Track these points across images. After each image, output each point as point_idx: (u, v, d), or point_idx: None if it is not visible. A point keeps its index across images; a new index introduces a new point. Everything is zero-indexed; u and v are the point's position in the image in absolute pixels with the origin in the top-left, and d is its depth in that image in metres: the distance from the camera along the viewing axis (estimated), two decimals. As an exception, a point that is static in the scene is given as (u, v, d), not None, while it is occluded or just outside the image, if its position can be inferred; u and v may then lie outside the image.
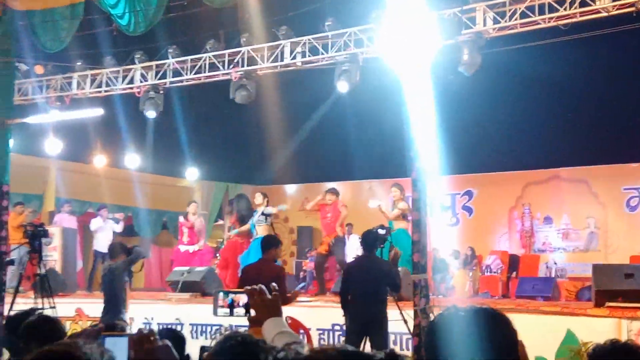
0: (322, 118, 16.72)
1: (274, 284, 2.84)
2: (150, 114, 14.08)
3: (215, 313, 3.03)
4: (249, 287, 2.81)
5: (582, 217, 18.15)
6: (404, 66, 8.59)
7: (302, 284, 11.60)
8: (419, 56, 8.54)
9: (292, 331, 2.70)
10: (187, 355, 4.75)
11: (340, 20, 12.29)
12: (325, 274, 13.78)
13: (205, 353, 2.26)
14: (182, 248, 14.74)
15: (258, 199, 13.12)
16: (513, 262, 16.31)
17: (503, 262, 16.74)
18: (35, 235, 10.56)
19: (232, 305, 2.98)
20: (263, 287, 2.80)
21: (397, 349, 9.06)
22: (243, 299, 2.93)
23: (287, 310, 7.74)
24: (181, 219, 14.92)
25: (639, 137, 16.09)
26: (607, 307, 9.20)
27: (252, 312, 2.79)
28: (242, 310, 2.93)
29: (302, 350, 1.40)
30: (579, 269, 17.24)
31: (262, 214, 12.86)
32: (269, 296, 2.79)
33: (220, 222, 17.68)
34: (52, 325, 4.12)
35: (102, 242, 14.76)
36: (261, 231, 12.58)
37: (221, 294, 3.00)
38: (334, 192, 13.39)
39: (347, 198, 20.35)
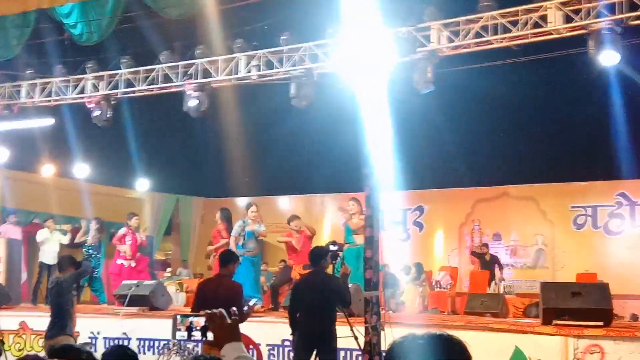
0: (276, 132, 16.70)
1: (234, 308, 2.80)
2: (101, 123, 13.86)
3: (173, 336, 2.98)
4: (208, 311, 2.76)
5: (531, 234, 18.41)
6: (359, 82, 8.62)
7: (255, 299, 11.50)
8: (374, 73, 8.58)
9: (250, 356, 2.66)
10: None
11: (296, 35, 12.28)
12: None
13: None
14: (126, 263, 14.40)
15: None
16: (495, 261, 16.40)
17: (452, 278, 16.86)
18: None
19: (190, 329, 2.93)
20: (223, 311, 2.75)
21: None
22: (201, 321, 2.88)
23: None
24: (124, 230, 14.55)
25: (587, 156, 16.42)
26: (554, 325, 9.31)
27: (210, 336, 2.75)
28: (199, 334, 2.88)
29: None
30: (527, 285, 17.46)
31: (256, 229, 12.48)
32: (229, 320, 2.74)
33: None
34: None
35: (48, 254, 14.48)
36: (254, 245, 12.37)
37: (179, 317, 2.95)
38: (297, 217, 13.29)
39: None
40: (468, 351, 2.02)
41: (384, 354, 2.45)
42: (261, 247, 12.95)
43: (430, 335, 2.01)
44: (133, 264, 14.27)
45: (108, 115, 13.64)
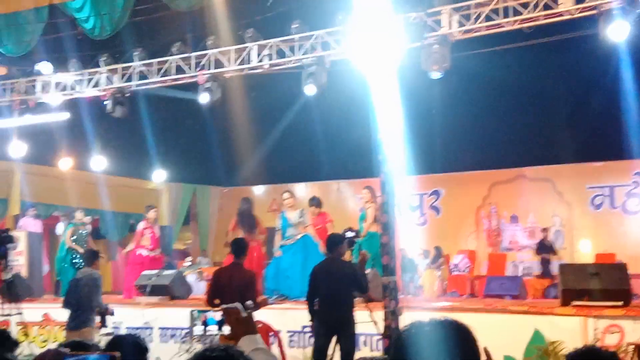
0: (290, 120, 16.73)
1: (249, 301, 2.85)
2: (117, 116, 13.94)
3: (191, 332, 3.04)
4: (224, 306, 2.82)
5: (548, 215, 18.37)
6: (371, 68, 8.63)
7: (274, 295, 11.48)
8: (386, 58, 8.58)
9: (267, 348, 2.72)
10: None
11: (307, 23, 12.28)
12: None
13: None
14: (144, 253, 14.45)
15: (289, 200, 12.43)
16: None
17: (471, 261, 16.90)
18: (1, 241, 10.44)
19: (205, 323, 2.99)
20: (239, 305, 2.81)
21: (367, 350, 9.14)
22: (217, 315, 2.94)
23: (256, 314, 7.73)
24: (144, 224, 14.62)
25: (603, 136, 16.32)
26: (573, 306, 9.32)
27: (226, 329, 2.80)
28: (215, 328, 2.94)
29: None
30: (546, 267, 17.45)
31: (302, 214, 12.20)
32: (244, 314, 2.80)
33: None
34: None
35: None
36: (297, 233, 12.14)
37: (196, 312, 3.01)
38: (317, 202, 13.26)
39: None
40: (473, 335, 2.06)
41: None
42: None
43: (436, 321, 2.05)
44: (152, 255, 14.35)
45: (123, 108, 13.71)
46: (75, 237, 14.43)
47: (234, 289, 8.20)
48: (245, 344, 2.65)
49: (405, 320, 7.99)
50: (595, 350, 2.85)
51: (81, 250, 13.96)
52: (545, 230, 16.64)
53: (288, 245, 12.07)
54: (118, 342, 4.59)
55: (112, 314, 9.89)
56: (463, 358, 1.99)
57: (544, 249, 16.46)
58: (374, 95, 8.34)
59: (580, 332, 8.75)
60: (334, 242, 8.86)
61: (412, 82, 10.76)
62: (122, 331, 11.49)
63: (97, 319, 9.59)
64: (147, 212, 14.58)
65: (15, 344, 4.06)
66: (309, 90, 12.13)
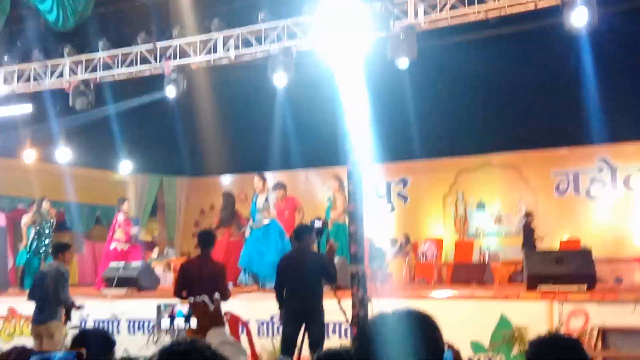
0: (256, 109, 16.71)
1: (217, 294, 2.86)
2: (82, 107, 13.79)
3: (157, 325, 3.03)
4: (191, 300, 2.82)
5: (514, 202, 18.54)
6: (338, 58, 8.64)
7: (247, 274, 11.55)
8: (352, 48, 8.60)
9: (234, 341, 2.72)
10: None
11: (273, 13, 12.24)
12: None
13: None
14: (119, 246, 14.42)
15: (258, 184, 12.42)
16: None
17: (438, 249, 17.03)
18: (-35, 236, 10.31)
19: (172, 316, 2.99)
20: (206, 298, 2.81)
21: (336, 338, 9.18)
22: (184, 308, 2.94)
23: (224, 306, 7.74)
24: (120, 216, 14.55)
25: (568, 122, 16.50)
26: (539, 291, 9.46)
27: (193, 323, 2.81)
28: (182, 321, 2.94)
29: None
30: (512, 252, 17.62)
31: (267, 200, 12.26)
32: (212, 307, 2.81)
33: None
34: None
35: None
36: (263, 218, 12.16)
37: (162, 305, 3.01)
38: (281, 186, 13.29)
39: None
40: (436, 324, 2.09)
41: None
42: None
43: (399, 312, 2.08)
44: (126, 248, 14.29)
45: (86, 99, 13.56)
46: (39, 227, 14.29)
47: (204, 281, 8.21)
48: (212, 337, 2.64)
49: (373, 308, 8.05)
50: (558, 337, 2.90)
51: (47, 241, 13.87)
52: (529, 214, 16.63)
53: (254, 230, 12.11)
54: (84, 337, 4.59)
55: (78, 307, 9.81)
56: (426, 348, 2.01)
57: (529, 232, 16.38)
58: (341, 85, 8.36)
59: (545, 317, 8.89)
60: (302, 232, 8.89)
61: (379, 72, 10.78)
62: (89, 323, 11.44)
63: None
64: (121, 203, 14.52)
65: None
66: (277, 80, 12.11)
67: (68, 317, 9.57)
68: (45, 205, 14.49)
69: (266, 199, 11.96)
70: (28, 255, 14.11)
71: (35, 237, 14.11)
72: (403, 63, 11.19)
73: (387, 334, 2.01)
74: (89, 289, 14.02)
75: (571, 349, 2.78)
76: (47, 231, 14.31)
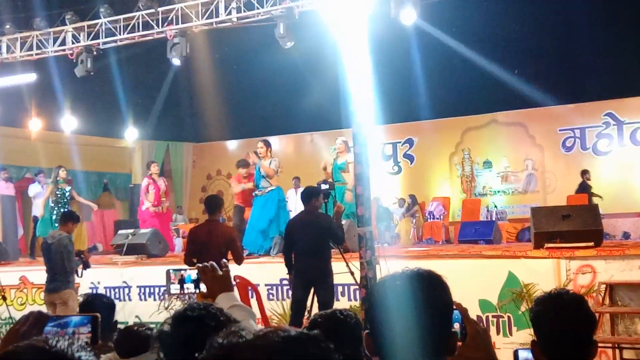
0: (259, 73, 16.62)
1: (224, 260, 2.87)
2: (85, 74, 13.75)
3: (167, 290, 3.06)
4: (200, 265, 2.83)
5: (520, 159, 18.54)
6: (341, 18, 8.57)
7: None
8: (355, 8, 8.52)
9: (244, 304, 2.74)
10: (115, 321, 4.82)
11: (274, -27, 12.12)
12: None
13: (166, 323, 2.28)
14: (151, 209, 14.42)
15: (261, 149, 12.08)
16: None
17: (445, 208, 17.05)
18: (-26, 206, 10.35)
19: (182, 281, 3.01)
20: (214, 263, 2.82)
21: (345, 300, 9.23)
22: (193, 273, 2.95)
23: (234, 270, 7.78)
24: (146, 180, 14.53)
25: (573, 78, 16.41)
26: (546, 249, 9.47)
27: (203, 288, 2.83)
28: (191, 286, 2.96)
29: (245, 333, 1.42)
30: (519, 210, 17.69)
31: (270, 165, 11.95)
32: (220, 272, 2.82)
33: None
34: None
35: (41, 208, 14.53)
36: (264, 184, 11.99)
37: (171, 271, 3.02)
38: (242, 164, 13.30)
39: (290, 151, 20.47)
40: (446, 284, 2.09)
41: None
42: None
43: (408, 273, 2.07)
44: (159, 210, 14.33)
45: (90, 66, 13.52)
46: (57, 195, 14.35)
47: (213, 246, 8.23)
48: (222, 302, 2.67)
49: (382, 269, 8.09)
50: (563, 294, 2.90)
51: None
52: (586, 172, 16.31)
53: (257, 198, 12.06)
54: (91, 302, 4.77)
55: (88, 267, 9.87)
56: (436, 309, 2.02)
57: (585, 190, 16.11)
58: (344, 46, 8.30)
59: (553, 274, 8.91)
60: (310, 195, 8.88)
61: (383, 32, 10.71)
62: (101, 290, 11.54)
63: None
64: (149, 167, 14.53)
65: None
66: (281, 42, 12.02)
67: (85, 267, 9.71)
68: (62, 174, 14.53)
69: (269, 164, 11.90)
70: (47, 226, 14.13)
71: (54, 206, 14.16)
72: (406, 21, 11.07)
73: (396, 295, 2.02)
74: (99, 257, 14.10)
75: (575, 306, 2.79)
76: (65, 200, 14.37)
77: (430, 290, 2.04)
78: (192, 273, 2.95)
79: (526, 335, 8.66)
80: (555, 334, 2.71)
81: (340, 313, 3.49)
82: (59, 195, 14.32)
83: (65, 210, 13.41)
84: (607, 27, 13.92)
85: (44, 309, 9.60)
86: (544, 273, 8.95)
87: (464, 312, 2.28)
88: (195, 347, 2.22)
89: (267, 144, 12.17)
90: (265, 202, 11.82)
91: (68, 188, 14.61)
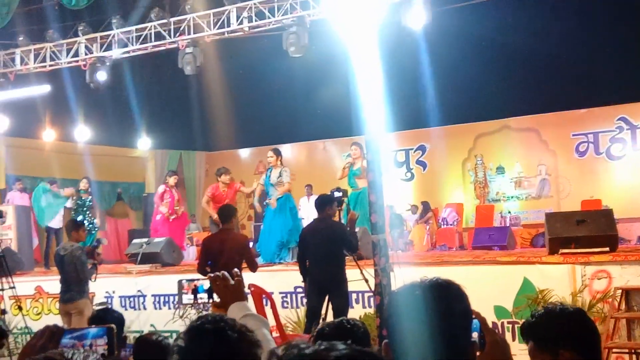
0: (272, 81, 16.68)
1: (236, 269, 2.87)
2: (98, 85, 13.81)
3: (180, 300, 3.07)
4: (211, 274, 2.84)
5: (534, 164, 18.49)
6: (351, 27, 8.57)
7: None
8: (366, 16, 8.52)
9: (256, 314, 2.74)
10: (125, 336, 4.86)
11: (285, -17, 12.16)
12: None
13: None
14: (166, 215, 14.44)
15: (271, 158, 11.99)
16: None
17: (458, 214, 17.02)
18: (-11, 217, 10.40)
19: (195, 291, 3.02)
20: (226, 273, 2.83)
21: (359, 308, 9.20)
22: (206, 283, 2.96)
23: (248, 278, 7.78)
24: (162, 188, 14.55)
25: (586, 82, 16.36)
26: (561, 254, 9.43)
27: (216, 298, 2.83)
28: (205, 296, 2.97)
29: (304, 346, 1.43)
30: (533, 216, 17.62)
31: (280, 174, 11.88)
32: (232, 281, 2.82)
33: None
34: None
35: (53, 218, 14.63)
36: (279, 193, 11.86)
37: (184, 281, 3.03)
38: (222, 172, 13.26)
39: (302, 159, 20.49)
40: (465, 294, 2.09)
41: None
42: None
43: (427, 283, 2.07)
44: (174, 217, 14.34)
45: (104, 77, 13.61)
46: (78, 204, 14.47)
47: (228, 254, 8.24)
48: (234, 312, 2.67)
49: (396, 276, 8.07)
50: (556, 310, 2.81)
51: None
52: None
53: (268, 209, 12.03)
54: (100, 317, 4.83)
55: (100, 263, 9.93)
56: (455, 319, 2.02)
57: None
58: (356, 53, 8.30)
59: (568, 279, 8.86)
60: (324, 202, 8.89)
61: (394, 39, 10.71)
62: (116, 300, 11.57)
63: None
64: (169, 177, 14.55)
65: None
66: (291, 51, 12.04)
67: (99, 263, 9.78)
68: (83, 185, 14.66)
69: (280, 174, 11.87)
70: None
71: (74, 214, 14.25)
72: (417, 28, 11.07)
73: (416, 304, 2.01)
74: (114, 266, 14.14)
75: (574, 319, 2.72)
76: (84, 209, 14.49)
77: (450, 300, 2.04)
78: (205, 283, 2.95)
79: (542, 341, 8.61)
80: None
81: (348, 322, 3.49)
82: (79, 204, 14.43)
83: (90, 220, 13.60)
84: (620, 31, 13.87)
85: (59, 318, 9.65)
86: (559, 279, 8.91)
87: (482, 321, 2.28)
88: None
89: (278, 153, 12.13)
90: (278, 212, 11.80)
91: (89, 198, 14.72)
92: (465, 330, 2.07)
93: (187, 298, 3.02)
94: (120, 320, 4.95)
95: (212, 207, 12.69)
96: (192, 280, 3.04)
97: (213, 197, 12.91)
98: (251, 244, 11.29)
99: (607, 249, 9.39)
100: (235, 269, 2.90)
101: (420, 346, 1.96)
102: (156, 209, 14.42)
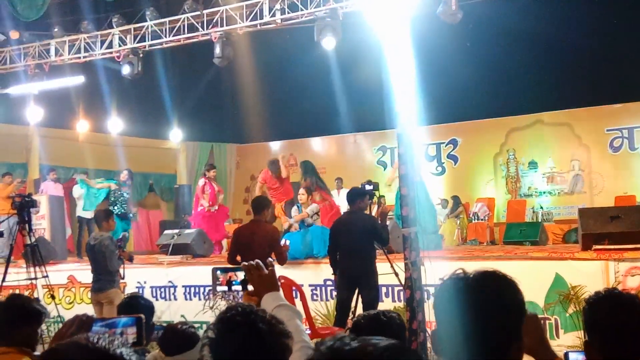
0: (303, 74, 16.65)
1: (270, 258, 2.87)
2: (131, 76, 13.92)
3: (214, 291, 3.07)
4: (245, 263, 2.84)
5: (567, 160, 18.30)
6: (385, 19, 8.53)
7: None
8: (399, 8, 8.48)
9: (290, 304, 2.74)
10: (153, 323, 4.89)
11: (318, -25, 12.14)
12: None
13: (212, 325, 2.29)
14: (207, 208, 14.52)
15: (302, 196, 11.67)
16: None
17: (490, 209, 16.90)
18: (23, 206, 10.51)
19: (229, 282, 3.02)
20: (260, 262, 2.83)
21: (389, 301, 9.19)
22: (240, 274, 2.97)
23: (278, 270, 7.79)
24: (202, 181, 14.60)
25: (621, 77, 16.14)
26: (594, 250, 9.32)
27: (250, 288, 2.83)
28: (239, 287, 2.97)
29: (349, 340, 1.44)
30: (565, 211, 17.45)
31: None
32: (266, 271, 2.82)
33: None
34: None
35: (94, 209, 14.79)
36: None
37: (219, 272, 3.04)
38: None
39: (333, 152, 20.47)
40: (519, 289, 2.04)
41: (425, 290, 2.43)
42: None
43: (479, 275, 2.01)
44: (214, 210, 14.41)
45: (138, 69, 13.72)
46: (116, 195, 14.66)
47: (257, 245, 8.26)
48: (268, 302, 2.67)
49: (426, 270, 8.03)
50: (616, 293, 2.85)
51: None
52: None
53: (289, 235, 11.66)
54: (131, 305, 4.87)
55: (130, 260, 9.98)
56: (509, 312, 1.97)
57: None
58: (388, 46, 8.26)
59: (601, 276, 8.76)
60: (355, 196, 8.89)
61: (428, 32, 10.65)
62: (147, 290, 11.67)
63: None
64: (208, 170, 14.65)
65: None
66: (325, 43, 12.02)
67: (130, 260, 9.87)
68: (122, 176, 14.86)
69: (312, 212, 11.51)
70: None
71: (110, 205, 14.42)
72: (450, 21, 11.00)
73: (464, 297, 1.97)
74: (145, 257, 14.26)
75: (631, 303, 2.74)
76: (121, 200, 14.67)
77: (505, 293, 1.99)
78: (240, 275, 2.95)
79: (574, 337, 8.54)
80: (612, 333, 2.66)
81: (384, 314, 3.47)
82: (117, 195, 14.60)
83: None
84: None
85: (91, 307, 9.76)
86: (591, 275, 8.81)
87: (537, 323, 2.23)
88: (249, 353, 2.23)
89: (309, 192, 11.90)
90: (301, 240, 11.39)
91: (127, 190, 14.88)
92: (517, 323, 2.02)
93: (221, 288, 3.02)
94: (149, 308, 4.96)
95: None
96: (227, 271, 3.04)
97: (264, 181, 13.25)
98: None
99: (641, 245, 9.27)
100: (270, 259, 2.90)
101: (467, 341, 1.92)
102: (197, 202, 14.49)
